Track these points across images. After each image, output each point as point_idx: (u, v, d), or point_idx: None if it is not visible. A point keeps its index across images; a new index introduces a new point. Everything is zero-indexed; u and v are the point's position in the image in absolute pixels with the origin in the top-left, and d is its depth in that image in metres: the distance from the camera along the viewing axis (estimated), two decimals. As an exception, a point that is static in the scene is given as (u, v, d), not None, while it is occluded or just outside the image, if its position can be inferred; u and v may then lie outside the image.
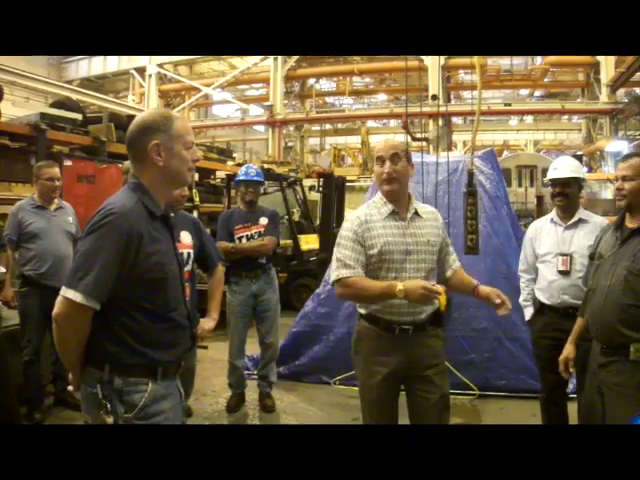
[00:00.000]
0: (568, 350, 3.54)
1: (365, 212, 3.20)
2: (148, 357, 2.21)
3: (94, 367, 2.19)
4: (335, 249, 3.22)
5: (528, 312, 4.22)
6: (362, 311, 3.23)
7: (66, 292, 2.11)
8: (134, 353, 2.18)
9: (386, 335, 3.11)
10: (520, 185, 21.13)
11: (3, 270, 3.49)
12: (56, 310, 2.14)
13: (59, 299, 2.13)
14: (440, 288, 2.91)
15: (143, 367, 2.21)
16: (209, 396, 5.95)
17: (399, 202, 3.17)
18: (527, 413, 4.99)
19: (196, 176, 10.80)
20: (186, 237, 3.73)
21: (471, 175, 5.19)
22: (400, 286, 2.87)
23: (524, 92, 31.78)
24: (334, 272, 3.15)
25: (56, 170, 5.20)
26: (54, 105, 9.89)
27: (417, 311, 3.07)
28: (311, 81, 29.48)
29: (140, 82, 26.57)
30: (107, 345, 2.17)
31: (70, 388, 2.36)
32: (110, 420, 2.13)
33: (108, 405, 2.15)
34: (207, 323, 3.79)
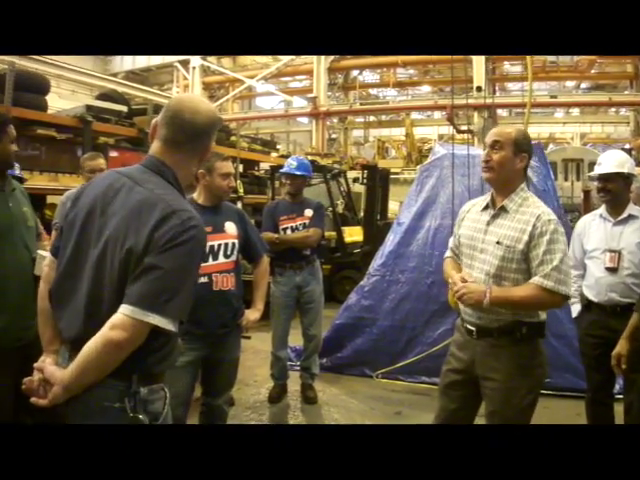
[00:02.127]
0: (621, 345, 3.45)
1: (474, 201, 3.21)
2: (170, 362, 2.09)
3: (118, 380, 1.93)
4: None
5: (575, 309, 4.10)
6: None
7: (146, 316, 1.84)
8: (163, 360, 2.03)
9: (462, 330, 3.09)
10: (566, 179, 20.77)
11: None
12: (122, 335, 1.83)
13: (125, 321, 1.84)
14: (461, 288, 2.85)
15: (161, 373, 2.07)
16: (251, 386, 5.98)
17: (499, 194, 3.01)
18: (571, 412, 4.89)
19: (240, 167, 10.87)
20: (231, 227, 3.73)
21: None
22: (450, 279, 2.93)
23: (570, 84, 31.19)
24: None
25: (102, 161, 5.26)
26: (100, 97, 10.06)
27: (480, 315, 2.95)
28: (354, 72, 29.34)
29: (184, 74, 26.78)
30: (142, 355, 1.93)
31: (39, 402, 1.98)
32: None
33: (140, 416, 1.95)
34: (252, 314, 3.81)
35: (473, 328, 2.99)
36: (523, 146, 2.95)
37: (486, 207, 3.05)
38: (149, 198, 1.98)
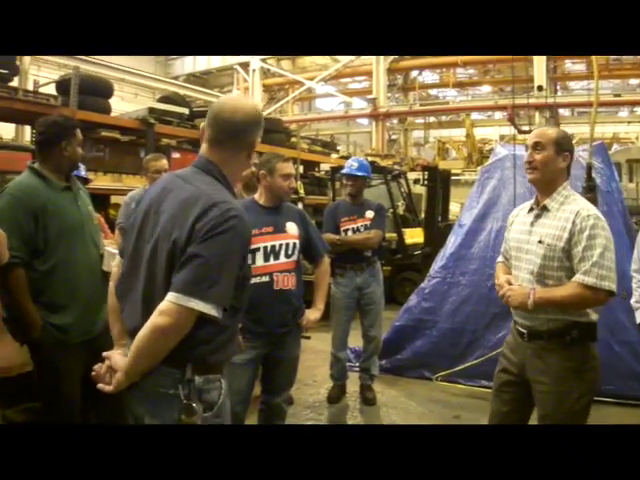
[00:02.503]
0: None
1: (524, 205, 3.21)
2: (226, 353, 2.18)
3: (172, 367, 2.04)
4: None
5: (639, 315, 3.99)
6: None
7: (188, 302, 1.93)
8: (217, 350, 2.10)
9: (515, 331, 3.09)
10: (631, 180, 20.06)
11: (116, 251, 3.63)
12: (167, 320, 1.94)
13: (170, 307, 1.94)
14: (507, 290, 2.90)
15: (218, 364, 2.15)
16: (311, 386, 6.00)
17: (543, 195, 3.00)
18: (634, 421, 4.74)
19: (301, 168, 10.93)
20: (292, 228, 3.75)
21: (590, 169, 4.99)
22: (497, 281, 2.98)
23: (635, 81, 30.25)
24: None
25: (164, 162, 5.36)
26: (162, 100, 10.27)
27: (530, 316, 2.93)
28: (414, 73, 29.13)
29: (244, 77, 27.02)
30: (193, 344, 2.03)
31: (105, 388, 2.14)
32: (196, 420, 2.02)
33: (193, 404, 2.02)
34: (313, 314, 3.83)
35: (524, 330, 2.98)
36: (565, 145, 2.97)
37: (531, 209, 3.06)
38: (194, 194, 2.09)
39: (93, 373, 2.20)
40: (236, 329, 2.26)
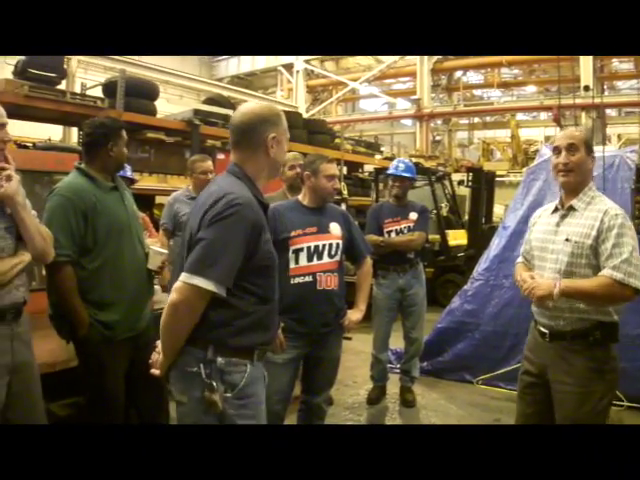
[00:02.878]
0: None
1: (546, 206, 3.23)
2: (250, 339, 2.30)
3: (197, 347, 2.25)
4: None
5: None
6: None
7: (191, 279, 2.15)
8: (238, 334, 2.27)
9: (536, 333, 3.08)
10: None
11: (166, 251, 3.69)
12: (177, 297, 2.18)
13: (179, 285, 2.18)
14: (530, 283, 2.86)
15: (244, 348, 2.30)
16: (350, 387, 6.01)
17: (571, 195, 3.01)
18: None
19: (344, 169, 10.93)
20: (335, 228, 3.76)
21: (639, 170, 4.88)
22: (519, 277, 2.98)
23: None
24: None
25: (209, 163, 5.41)
26: (206, 102, 10.37)
27: (554, 315, 2.94)
28: (458, 74, 28.84)
29: (288, 78, 27.10)
30: (214, 326, 2.24)
31: (155, 372, 2.39)
32: (216, 397, 2.20)
33: (214, 383, 2.21)
34: (354, 314, 3.84)
35: (546, 331, 2.99)
36: (591, 146, 3.00)
37: (555, 210, 3.07)
38: (212, 191, 2.33)
39: (150, 361, 2.41)
40: (263, 318, 2.36)
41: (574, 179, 2.96)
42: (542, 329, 3.01)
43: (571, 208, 2.97)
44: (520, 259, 3.28)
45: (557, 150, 3.02)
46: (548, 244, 3.01)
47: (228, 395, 2.24)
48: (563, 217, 3.00)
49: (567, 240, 2.91)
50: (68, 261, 3.11)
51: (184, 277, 2.17)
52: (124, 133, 3.45)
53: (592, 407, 2.87)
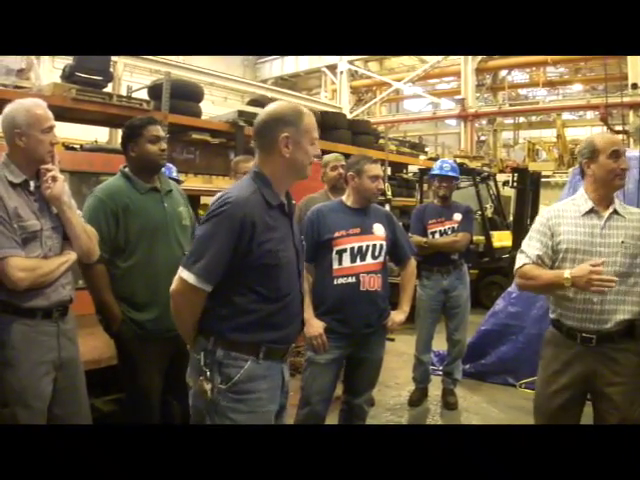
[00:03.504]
0: None
1: (559, 207, 3.16)
2: (251, 335, 2.34)
3: (203, 337, 2.38)
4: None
5: None
6: (551, 315, 3.16)
7: (182, 272, 2.30)
8: (238, 330, 2.32)
9: (568, 342, 3.02)
10: None
11: None
12: (173, 286, 2.35)
13: (177, 277, 2.33)
14: (614, 279, 2.76)
15: (245, 344, 2.35)
16: (392, 388, 6.00)
17: (604, 200, 3.06)
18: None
19: (389, 170, 10.90)
20: (379, 229, 3.76)
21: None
22: (567, 274, 2.81)
23: None
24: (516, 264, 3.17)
25: (252, 165, 5.43)
26: (250, 103, 10.43)
27: (603, 319, 2.93)
28: (503, 73, 28.52)
29: (332, 79, 27.13)
30: (216, 319, 2.35)
31: None
32: (208, 387, 2.30)
33: (208, 372, 2.32)
34: (398, 315, 3.83)
35: (592, 336, 2.95)
36: None
37: (589, 212, 3.05)
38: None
39: None
40: (268, 317, 2.38)
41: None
42: (586, 335, 2.96)
43: (615, 212, 3.02)
44: (528, 260, 3.07)
45: (617, 155, 3.00)
46: (594, 247, 2.98)
47: (222, 387, 2.31)
48: (608, 220, 3.01)
49: (623, 242, 2.95)
50: (99, 259, 3.15)
51: (179, 270, 2.32)
52: (149, 129, 3.40)
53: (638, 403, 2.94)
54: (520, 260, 3.13)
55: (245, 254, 2.29)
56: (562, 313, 3.05)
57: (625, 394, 2.92)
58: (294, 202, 2.59)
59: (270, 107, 2.48)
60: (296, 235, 2.56)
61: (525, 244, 3.17)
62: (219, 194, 2.46)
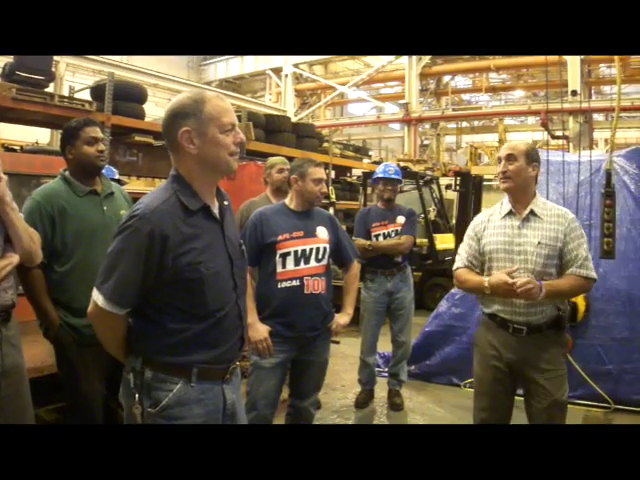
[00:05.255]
0: None
1: (488, 212, 3.42)
2: (180, 356, 2.10)
3: (132, 355, 2.16)
4: None
5: None
6: (485, 310, 3.36)
7: (94, 291, 2.10)
8: (165, 351, 2.09)
9: (502, 332, 3.24)
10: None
11: None
12: (89, 307, 2.13)
13: (92, 296, 2.11)
14: (526, 282, 2.96)
15: (174, 366, 2.11)
16: (338, 390, 6.01)
17: (519, 201, 3.29)
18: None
19: (332, 173, 10.94)
20: (322, 232, 3.76)
21: (609, 175, 4.92)
22: (486, 283, 3.11)
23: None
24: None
25: None
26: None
27: (530, 312, 3.17)
28: (446, 78, 28.97)
29: (276, 82, 27.15)
30: (141, 338, 2.13)
31: None
32: (138, 411, 2.09)
33: (136, 395, 2.10)
34: (342, 318, 3.84)
35: (523, 327, 3.19)
36: (534, 156, 3.28)
37: (508, 214, 3.30)
38: None
39: None
40: (199, 336, 2.14)
41: (513, 185, 3.26)
42: (517, 326, 3.19)
43: (532, 213, 3.25)
44: (461, 264, 3.40)
45: (499, 160, 3.33)
46: (513, 247, 3.22)
47: (151, 411, 2.09)
48: (525, 221, 3.25)
49: (540, 243, 3.18)
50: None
51: (94, 289, 2.12)
52: (85, 131, 3.34)
53: (566, 387, 3.24)
54: (456, 263, 3.45)
55: (160, 271, 2.04)
56: (496, 308, 3.28)
57: (553, 380, 3.18)
58: (227, 203, 2.34)
59: (170, 103, 2.19)
60: (230, 241, 2.29)
61: (460, 247, 3.48)
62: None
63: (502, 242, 3.25)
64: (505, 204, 3.35)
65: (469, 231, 3.44)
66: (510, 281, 2.99)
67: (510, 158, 3.24)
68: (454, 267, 3.44)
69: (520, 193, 3.28)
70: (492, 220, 3.35)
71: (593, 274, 3.19)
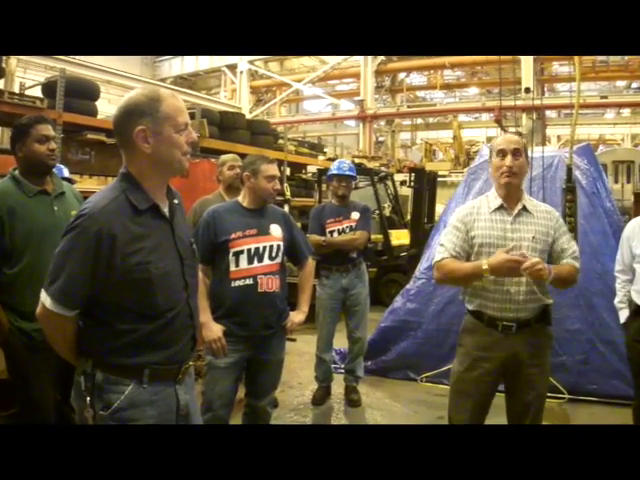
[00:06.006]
0: None
1: (475, 204, 3.33)
2: (131, 358, 2.08)
3: (83, 357, 2.11)
4: (440, 236, 3.39)
5: (623, 315, 4.02)
6: (468, 306, 3.30)
7: (42, 292, 2.06)
8: (116, 352, 2.06)
9: (488, 330, 3.18)
10: (616, 181, 20.13)
11: None
12: (37, 309, 2.09)
13: (41, 297, 2.07)
14: (537, 262, 2.94)
15: (126, 367, 2.08)
16: (295, 388, 6.00)
17: (511, 197, 3.25)
18: (618, 420, 4.77)
19: (288, 170, 10.92)
20: (276, 230, 3.74)
21: (570, 171, 5.01)
22: (485, 265, 3.01)
23: (621, 84, 30.37)
24: (435, 257, 3.33)
25: None
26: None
27: (520, 308, 3.14)
28: (402, 75, 29.21)
29: (232, 79, 27.01)
30: (91, 340, 2.09)
31: None
32: (89, 414, 2.05)
33: (88, 398, 2.06)
34: (297, 316, 3.83)
35: (513, 324, 3.14)
36: (527, 151, 3.30)
37: (499, 209, 3.24)
38: None
39: None
40: (149, 336, 2.11)
41: (517, 181, 3.21)
42: (506, 323, 3.15)
43: (524, 208, 3.23)
44: (447, 254, 3.23)
45: (503, 153, 3.19)
46: (506, 241, 3.15)
47: (103, 414, 2.05)
48: (517, 216, 3.21)
49: (534, 238, 3.16)
50: None
51: (42, 290, 2.07)
52: (37, 130, 3.27)
53: (549, 379, 3.37)
54: (440, 253, 3.28)
55: (108, 271, 2.01)
56: (482, 303, 3.20)
57: (541, 373, 3.21)
58: (177, 201, 2.30)
59: (124, 99, 2.15)
60: (181, 240, 2.27)
61: (444, 238, 3.32)
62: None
63: (495, 236, 3.18)
64: (493, 198, 3.27)
65: (455, 222, 3.30)
66: (520, 259, 2.95)
67: (517, 153, 3.17)
68: (437, 258, 3.29)
69: (516, 189, 3.24)
70: (481, 213, 3.26)
71: (579, 266, 3.24)
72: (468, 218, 3.26)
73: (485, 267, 3.02)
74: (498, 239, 3.16)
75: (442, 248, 3.28)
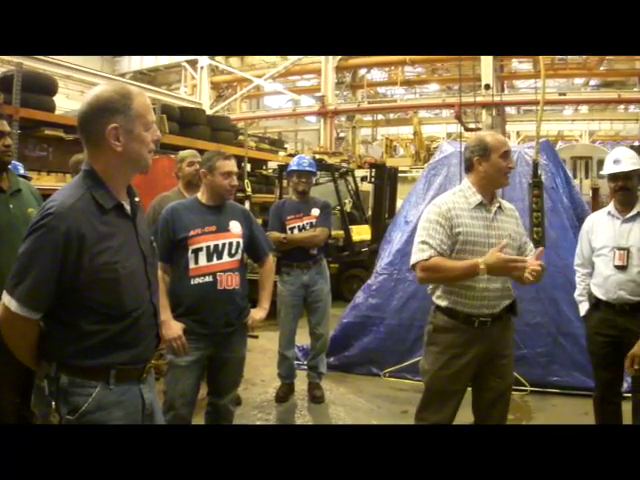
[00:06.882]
0: (638, 346, 3.53)
1: (452, 199, 3.27)
2: (98, 359, 2.04)
3: (45, 361, 2.05)
4: (418, 233, 3.25)
5: (583, 307, 4.09)
6: (441, 303, 3.25)
7: (4, 296, 1.98)
8: (81, 354, 2.01)
9: (463, 327, 3.18)
10: (575, 177, 20.53)
11: None
12: None
13: (2, 300, 2.00)
14: (542, 269, 3.05)
15: (92, 369, 2.04)
16: (258, 385, 5.98)
17: (490, 195, 3.29)
18: (579, 411, 4.89)
19: (248, 167, 10.87)
20: (235, 226, 3.72)
21: (536, 166, 5.07)
22: (482, 264, 2.97)
23: (579, 81, 30.93)
24: (414, 255, 3.20)
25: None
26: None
27: (496, 304, 3.20)
28: (362, 71, 29.28)
29: (192, 74, 26.80)
30: (56, 343, 2.02)
31: None
32: (55, 419, 1.99)
33: (53, 403, 2.00)
34: (258, 313, 3.81)
35: (488, 319, 3.18)
36: None
37: (479, 205, 3.23)
38: None
39: None
40: (116, 337, 2.07)
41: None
42: (483, 319, 3.17)
43: (500, 207, 3.30)
44: (433, 252, 3.11)
45: (507, 155, 3.25)
46: (485, 239, 3.18)
47: (70, 418, 2.00)
48: (495, 214, 3.26)
49: (511, 235, 3.24)
50: None
51: (3, 293, 1.99)
52: None
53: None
54: (424, 252, 3.13)
55: (76, 271, 1.97)
56: (457, 301, 3.18)
57: (510, 364, 3.33)
58: (138, 199, 2.26)
59: (92, 93, 2.09)
60: (143, 238, 2.24)
61: (426, 235, 3.16)
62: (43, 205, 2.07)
63: (478, 233, 3.16)
64: (471, 194, 3.24)
65: (437, 217, 3.16)
66: (521, 259, 3.08)
67: (509, 155, 3.29)
68: (423, 256, 3.13)
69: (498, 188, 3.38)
70: (461, 209, 3.19)
71: None
72: (450, 214, 3.17)
73: (482, 267, 2.97)
74: (481, 236, 3.17)
75: (426, 246, 3.13)
